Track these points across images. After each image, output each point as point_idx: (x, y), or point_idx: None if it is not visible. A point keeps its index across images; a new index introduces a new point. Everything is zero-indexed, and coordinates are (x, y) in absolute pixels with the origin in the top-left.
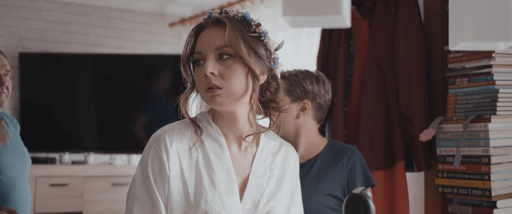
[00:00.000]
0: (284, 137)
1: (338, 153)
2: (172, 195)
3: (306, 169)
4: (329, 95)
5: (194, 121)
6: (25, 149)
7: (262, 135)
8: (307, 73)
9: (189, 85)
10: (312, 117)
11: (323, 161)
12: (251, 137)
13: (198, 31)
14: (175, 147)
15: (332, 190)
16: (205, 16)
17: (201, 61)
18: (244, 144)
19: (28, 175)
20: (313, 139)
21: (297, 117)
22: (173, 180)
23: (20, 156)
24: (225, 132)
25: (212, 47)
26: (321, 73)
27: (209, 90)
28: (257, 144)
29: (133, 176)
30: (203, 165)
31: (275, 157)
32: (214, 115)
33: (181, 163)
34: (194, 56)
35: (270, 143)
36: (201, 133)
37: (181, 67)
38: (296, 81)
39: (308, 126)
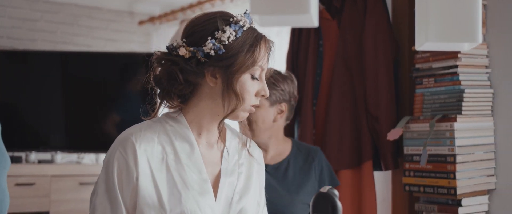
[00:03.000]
0: (258, 140)
1: (306, 154)
2: (143, 198)
3: (282, 171)
4: (297, 95)
5: (161, 121)
6: (4, 149)
7: (227, 132)
8: (282, 75)
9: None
10: (285, 118)
11: (296, 163)
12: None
13: (260, 41)
14: (143, 150)
15: (312, 193)
16: (246, 16)
17: (257, 78)
18: (212, 140)
19: (6, 176)
20: (281, 139)
21: (275, 120)
22: (143, 183)
23: None
24: (203, 127)
25: (265, 69)
26: (290, 73)
27: (251, 109)
28: (224, 141)
29: (97, 178)
30: (173, 166)
31: (241, 154)
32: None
33: (150, 165)
34: (254, 70)
35: (235, 139)
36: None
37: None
38: (275, 84)
39: (280, 127)
